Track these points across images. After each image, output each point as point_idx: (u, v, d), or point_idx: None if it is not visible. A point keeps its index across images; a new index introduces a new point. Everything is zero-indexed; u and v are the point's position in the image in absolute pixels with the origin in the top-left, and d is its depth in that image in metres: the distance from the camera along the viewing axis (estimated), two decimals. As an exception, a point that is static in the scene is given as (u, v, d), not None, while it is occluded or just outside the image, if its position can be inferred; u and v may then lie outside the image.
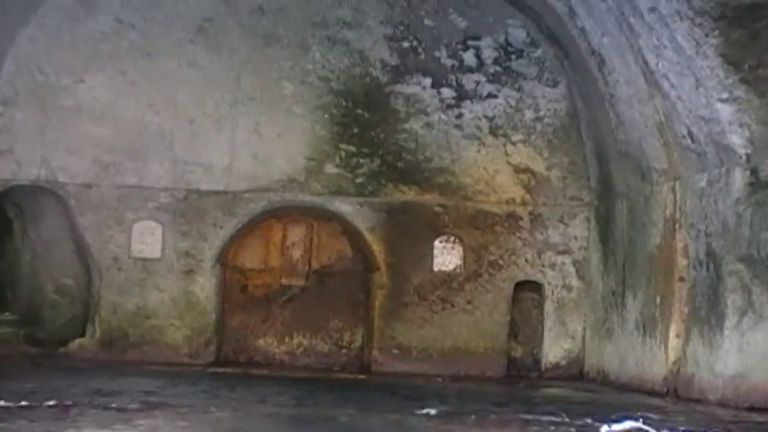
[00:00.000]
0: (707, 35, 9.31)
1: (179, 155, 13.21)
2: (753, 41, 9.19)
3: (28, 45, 12.95)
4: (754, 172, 9.41)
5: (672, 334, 10.65)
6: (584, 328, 13.36)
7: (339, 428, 7.33)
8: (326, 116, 13.47)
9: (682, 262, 10.57)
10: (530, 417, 8.43)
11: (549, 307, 13.49)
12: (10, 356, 12.52)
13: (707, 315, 9.96)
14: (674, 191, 10.82)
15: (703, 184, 10.12)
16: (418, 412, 8.36)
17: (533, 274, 13.51)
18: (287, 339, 14.13)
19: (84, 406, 7.76)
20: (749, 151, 9.45)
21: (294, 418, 8.01)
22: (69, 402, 7.88)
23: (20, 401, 7.71)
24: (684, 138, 10.31)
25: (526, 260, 13.48)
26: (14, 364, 11.72)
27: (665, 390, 10.65)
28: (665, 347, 10.75)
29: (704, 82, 9.57)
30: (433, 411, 8.38)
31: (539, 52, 13.52)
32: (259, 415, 7.96)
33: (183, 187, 13.23)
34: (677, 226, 10.71)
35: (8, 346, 13.15)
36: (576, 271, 13.43)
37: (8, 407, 7.41)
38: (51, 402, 7.81)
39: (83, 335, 13.21)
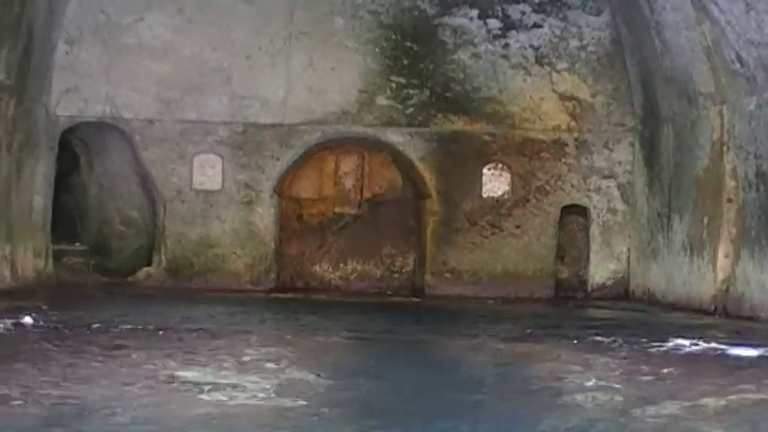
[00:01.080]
0: (759, -43, 8.92)
1: (236, 90, 12.96)
2: (804, -36, 8.79)
3: (89, -15, 12.70)
4: (805, 94, 9.05)
5: (720, 254, 10.36)
6: (629, 250, 13.07)
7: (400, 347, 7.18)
8: (377, 49, 13.16)
9: (730, 183, 10.25)
10: (583, 335, 8.27)
11: (594, 230, 13.21)
12: (83, 285, 12.44)
13: (757, 235, 9.66)
14: (721, 114, 10.47)
15: (752, 107, 9.77)
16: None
17: (579, 199, 13.21)
18: (341, 265, 13.95)
19: (176, 330, 7.68)
20: (800, 73, 9.08)
21: (364, 339, 7.87)
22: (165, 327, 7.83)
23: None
24: (733, 62, 9.93)
25: (572, 185, 13.18)
26: (88, 292, 11.61)
27: (714, 308, 10.39)
28: (714, 267, 10.47)
29: (755, 5, 9.19)
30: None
31: (582, -18, 13.15)
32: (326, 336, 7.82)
33: (241, 121, 12.99)
34: (725, 149, 10.37)
35: (80, 276, 13.07)
36: (621, 195, 13.12)
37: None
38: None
39: (149, 264, 13.07)
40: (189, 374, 5.46)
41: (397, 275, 13.92)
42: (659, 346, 7.44)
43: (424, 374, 6.05)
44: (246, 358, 6.27)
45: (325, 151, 13.67)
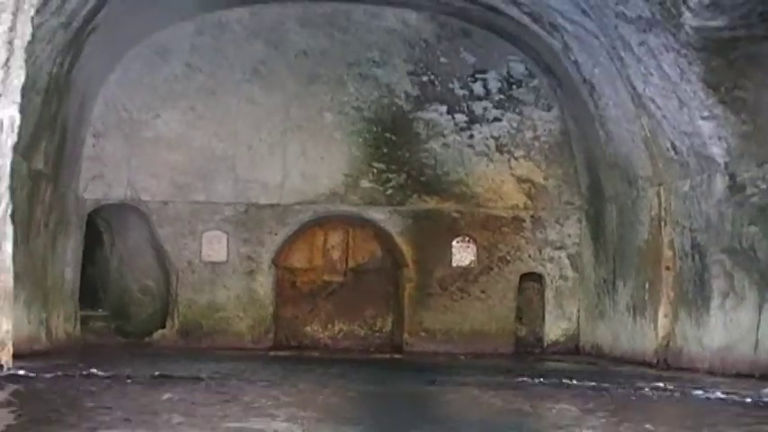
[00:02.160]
0: (690, 63, 9.12)
1: (240, 175, 13.02)
2: (729, 68, 8.99)
3: (114, 87, 12.74)
4: (732, 177, 9.18)
5: (661, 314, 10.43)
6: (579, 311, 13.15)
7: (381, 393, 7.14)
8: (360, 140, 13.27)
9: (668, 253, 10.35)
10: (544, 381, 8.29)
11: (548, 294, 13.30)
12: (104, 345, 12.37)
13: (693, 298, 9.74)
14: (659, 194, 10.60)
15: (687, 188, 9.90)
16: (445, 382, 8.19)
17: (535, 267, 13.30)
18: (329, 326, 13.92)
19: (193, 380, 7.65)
20: (727, 160, 9.24)
21: (356, 392, 7.80)
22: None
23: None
24: (668, 150, 10.10)
25: (529, 255, 13.27)
26: (110, 352, 11.51)
27: (656, 361, 10.43)
28: (655, 325, 10.53)
29: (687, 103, 9.37)
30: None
31: (535, 82, 13.32)
32: (320, 388, 7.75)
33: (244, 202, 13.03)
34: (663, 223, 10.49)
35: (102, 338, 12.98)
36: (571, 263, 13.22)
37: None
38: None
39: (163, 327, 12.99)
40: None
41: (378, 334, 13.90)
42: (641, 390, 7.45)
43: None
44: (255, 404, 6.25)
45: (315, 227, 13.70)
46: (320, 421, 5.62)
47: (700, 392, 7.36)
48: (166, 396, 6.62)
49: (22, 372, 7.67)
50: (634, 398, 7.17)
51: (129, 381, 7.66)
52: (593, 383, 8.06)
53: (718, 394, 7.21)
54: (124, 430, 5.00)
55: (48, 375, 7.78)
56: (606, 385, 7.92)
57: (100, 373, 8.14)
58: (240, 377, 8.27)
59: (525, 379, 8.55)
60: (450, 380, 8.67)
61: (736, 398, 7.03)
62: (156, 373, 8.21)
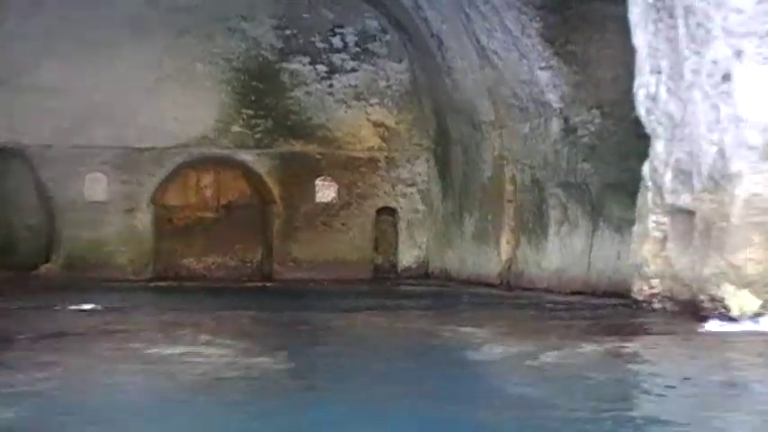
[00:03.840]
0: (530, 20, 9.21)
1: (118, 120, 12.50)
2: (564, 25, 9.12)
3: (-5, 37, 12.00)
4: (566, 120, 9.35)
5: (503, 241, 10.60)
6: (428, 240, 13.26)
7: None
8: (230, 88, 12.94)
9: (509, 188, 10.50)
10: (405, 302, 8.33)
11: (401, 225, 13.35)
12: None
13: (533, 227, 9.93)
14: (501, 136, 10.72)
15: (526, 130, 10.04)
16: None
17: (389, 202, 13.32)
18: (204, 258, 13.64)
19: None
20: (562, 105, 9.39)
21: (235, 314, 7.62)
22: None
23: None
24: (510, 97, 10.20)
25: (384, 192, 13.27)
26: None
27: (500, 282, 10.62)
28: (498, 251, 10.70)
29: (527, 55, 9.46)
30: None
31: (388, 37, 13.22)
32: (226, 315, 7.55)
33: (122, 146, 12.56)
34: (504, 162, 10.63)
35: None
36: (421, 198, 13.29)
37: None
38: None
39: (48, 261, 12.46)
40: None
41: (249, 265, 13.70)
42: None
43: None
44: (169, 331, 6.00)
45: (189, 169, 13.34)
46: (246, 349, 5.30)
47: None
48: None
49: None
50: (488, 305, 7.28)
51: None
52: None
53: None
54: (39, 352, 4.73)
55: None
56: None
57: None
58: (138, 309, 7.98)
59: (403, 301, 8.52)
60: (333, 304, 8.56)
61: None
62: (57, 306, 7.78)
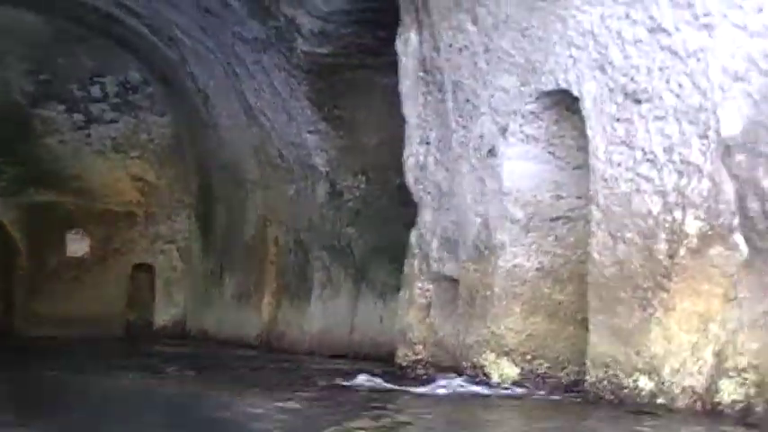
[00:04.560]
0: (299, 83, 9.21)
1: None
2: (331, 90, 9.19)
3: None
4: (332, 184, 9.38)
5: (265, 302, 10.42)
6: (186, 299, 12.85)
7: None
8: (-23, 133, 12.07)
9: (272, 249, 10.38)
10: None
11: (159, 283, 12.86)
12: None
13: (295, 289, 9.83)
14: (265, 197, 10.60)
15: (292, 192, 9.98)
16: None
17: (147, 258, 12.82)
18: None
19: None
20: (328, 169, 9.42)
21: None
22: None
23: None
24: (276, 158, 10.13)
25: (141, 247, 12.77)
26: None
27: (259, 343, 10.41)
28: (259, 312, 10.50)
29: (296, 117, 9.46)
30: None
31: (150, 89, 12.80)
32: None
33: None
34: (268, 222, 10.50)
35: None
36: (181, 256, 12.88)
37: None
38: None
39: None
40: None
41: (-12, 321, 12.69)
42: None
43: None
44: None
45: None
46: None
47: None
48: None
49: None
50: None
51: None
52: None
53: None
54: None
55: None
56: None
57: None
58: None
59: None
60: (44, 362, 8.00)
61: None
62: None
